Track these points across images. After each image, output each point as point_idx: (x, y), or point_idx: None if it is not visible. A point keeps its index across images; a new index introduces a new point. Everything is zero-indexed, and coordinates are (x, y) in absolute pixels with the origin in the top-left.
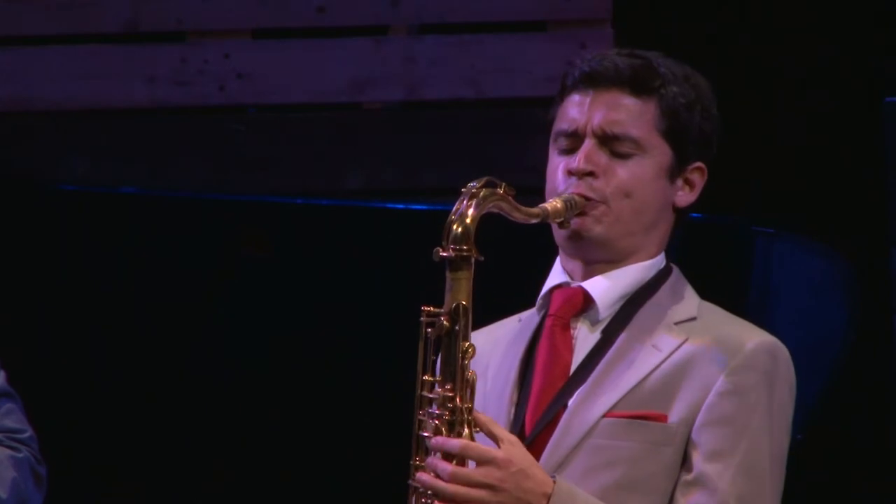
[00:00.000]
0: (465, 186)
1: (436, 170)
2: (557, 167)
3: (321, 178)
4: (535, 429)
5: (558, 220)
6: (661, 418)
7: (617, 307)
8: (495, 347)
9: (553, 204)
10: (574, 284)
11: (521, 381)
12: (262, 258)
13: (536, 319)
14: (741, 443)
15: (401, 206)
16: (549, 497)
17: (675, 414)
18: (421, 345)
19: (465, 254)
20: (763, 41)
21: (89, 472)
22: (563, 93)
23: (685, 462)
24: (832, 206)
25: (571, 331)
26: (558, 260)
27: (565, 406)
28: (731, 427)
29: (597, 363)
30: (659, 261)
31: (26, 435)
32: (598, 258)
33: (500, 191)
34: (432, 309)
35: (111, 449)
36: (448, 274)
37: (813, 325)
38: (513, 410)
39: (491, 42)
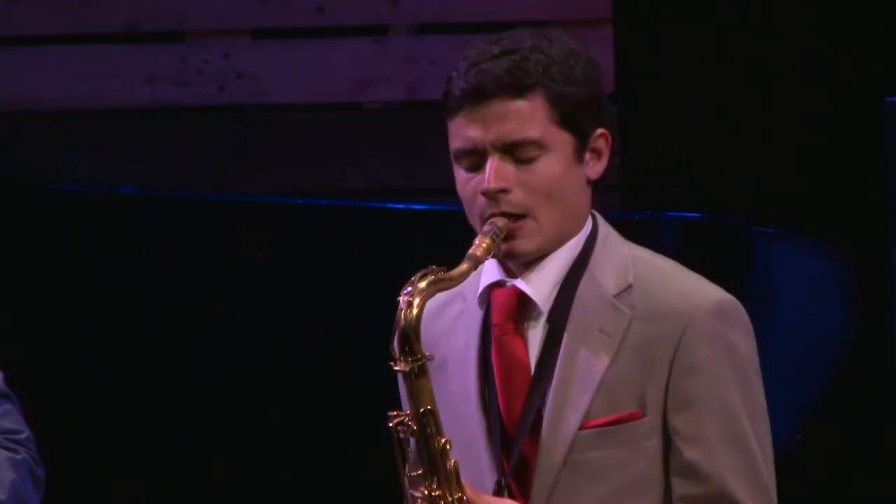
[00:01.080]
0: (402, 292)
1: (436, 170)
2: (467, 185)
3: (321, 178)
4: (518, 437)
5: (492, 256)
6: (637, 415)
7: (554, 294)
8: (449, 335)
9: (481, 247)
10: (508, 283)
11: (483, 385)
12: (262, 258)
13: (479, 314)
14: (715, 418)
15: (401, 206)
16: None
17: (648, 405)
18: (396, 445)
19: (419, 363)
20: (763, 41)
21: (89, 472)
22: (450, 111)
23: (672, 446)
24: (832, 206)
25: (519, 333)
26: None
27: (540, 413)
28: (700, 406)
29: (554, 362)
30: (584, 232)
31: (24, 436)
32: (531, 258)
33: (432, 277)
34: (397, 413)
35: (111, 449)
36: (406, 383)
37: (813, 325)
38: (484, 420)
39: None
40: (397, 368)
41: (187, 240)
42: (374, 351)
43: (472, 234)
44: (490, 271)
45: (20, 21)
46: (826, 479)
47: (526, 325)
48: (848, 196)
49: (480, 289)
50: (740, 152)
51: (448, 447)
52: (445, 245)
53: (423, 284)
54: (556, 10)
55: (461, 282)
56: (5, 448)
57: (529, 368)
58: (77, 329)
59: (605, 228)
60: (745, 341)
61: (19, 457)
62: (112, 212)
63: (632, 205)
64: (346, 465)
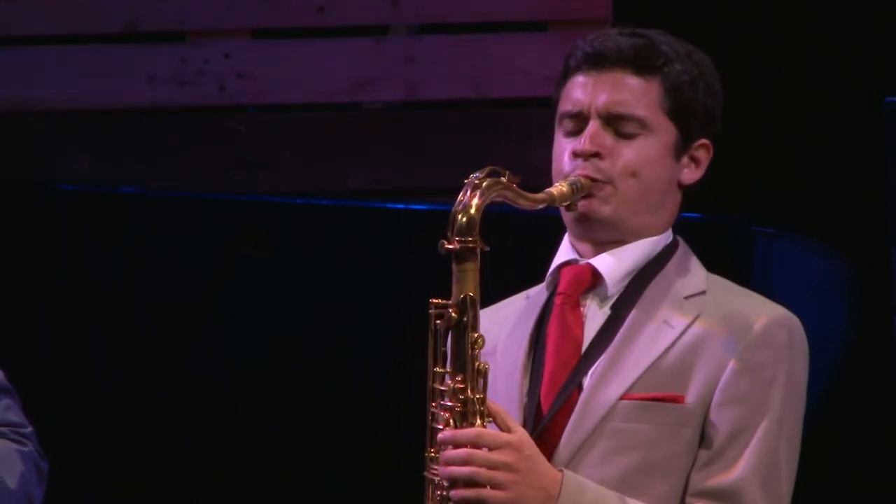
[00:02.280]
0: (468, 178)
1: (436, 170)
2: (563, 149)
3: (321, 178)
4: (551, 409)
5: (565, 204)
6: (679, 399)
7: (625, 283)
8: (503, 326)
9: (559, 188)
10: (582, 262)
11: (531, 361)
12: (262, 258)
13: (545, 296)
14: (758, 421)
15: (401, 206)
16: (559, 482)
17: (692, 394)
18: (430, 336)
19: (470, 245)
20: (763, 41)
21: (89, 472)
22: (567, 74)
23: (703, 441)
24: (832, 206)
25: (581, 308)
26: (566, 237)
27: (580, 386)
28: (747, 406)
29: (609, 341)
30: (666, 236)
31: (28, 430)
32: (605, 238)
33: (504, 179)
34: (440, 301)
35: (111, 449)
36: (454, 266)
37: (813, 325)
38: (525, 391)
39: (491, 42)
40: (448, 247)
41: (187, 240)
42: (375, 351)
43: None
44: (564, 254)
45: (20, 21)
46: (826, 479)
47: (590, 303)
48: (848, 196)
49: (552, 268)
50: (740, 152)
51: (481, 342)
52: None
53: (487, 183)
54: (556, 10)
55: (528, 205)
56: (13, 441)
57: (581, 343)
58: (77, 329)
59: (686, 248)
60: (802, 362)
61: (26, 449)
62: (112, 212)
63: None
64: (346, 464)
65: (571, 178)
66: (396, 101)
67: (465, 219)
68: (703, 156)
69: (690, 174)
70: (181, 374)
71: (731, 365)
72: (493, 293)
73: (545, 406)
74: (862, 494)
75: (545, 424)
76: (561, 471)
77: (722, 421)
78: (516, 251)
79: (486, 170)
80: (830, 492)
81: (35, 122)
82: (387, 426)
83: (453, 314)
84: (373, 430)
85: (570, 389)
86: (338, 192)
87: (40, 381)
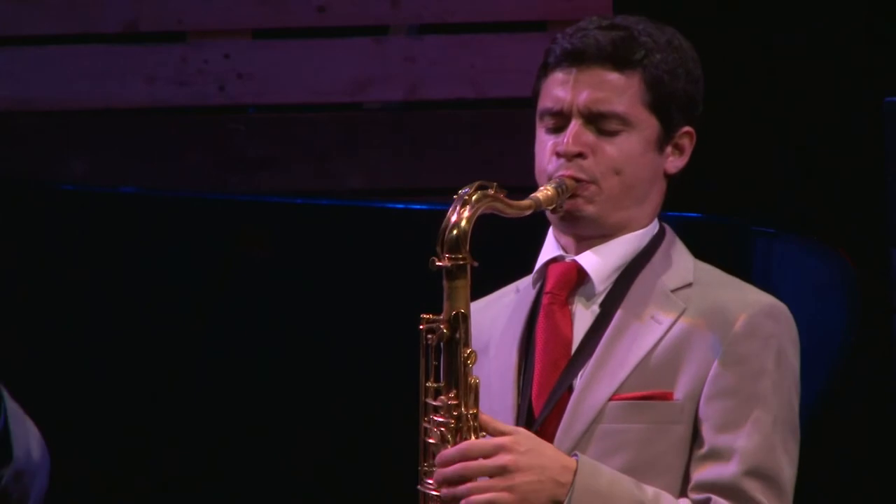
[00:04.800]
0: (457, 193)
1: (436, 170)
2: (545, 145)
3: (321, 178)
4: (543, 411)
5: (551, 207)
6: (668, 396)
7: (612, 279)
8: (494, 322)
9: (544, 192)
10: (568, 258)
11: (522, 361)
12: (262, 258)
13: (532, 293)
14: (749, 412)
15: (401, 206)
16: (573, 471)
17: (681, 390)
18: (422, 351)
19: (461, 262)
20: (763, 41)
21: (89, 471)
22: (546, 69)
23: (696, 437)
24: (832, 206)
25: (569, 307)
26: (551, 232)
27: (571, 387)
28: (737, 397)
29: (598, 340)
30: (652, 227)
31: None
32: (591, 234)
33: (492, 192)
34: (431, 316)
35: (110, 449)
36: (445, 282)
37: (813, 325)
38: (517, 391)
39: (491, 42)
40: (438, 264)
41: (187, 240)
42: (375, 351)
43: (472, 236)
44: (549, 250)
45: (20, 21)
46: (826, 479)
47: (577, 301)
48: (848, 196)
49: (538, 265)
50: (740, 152)
51: (473, 358)
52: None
53: (476, 196)
54: (556, 10)
55: (516, 214)
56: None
57: (570, 342)
58: (77, 329)
59: (672, 235)
60: (791, 348)
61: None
62: (112, 212)
63: None
64: (346, 464)
65: (556, 181)
66: (396, 101)
67: (455, 235)
68: (687, 143)
69: (675, 163)
70: (181, 374)
71: (719, 357)
72: (483, 286)
73: (537, 409)
74: (862, 494)
75: (537, 428)
76: (575, 455)
77: (713, 415)
78: (507, 241)
79: (475, 185)
80: (830, 492)
81: (35, 122)
82: (387, 426)
83: (445, 330)
84: (373, 430)
85: (561, 391)
86: (338, 192)
87: (40, 381)
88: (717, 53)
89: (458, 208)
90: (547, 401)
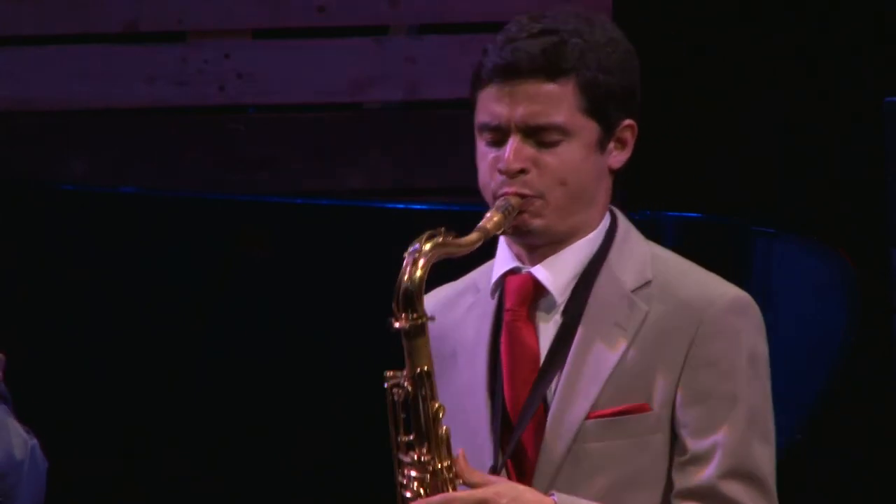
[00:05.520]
0: (407, 251)
1: (436, 170)
2: (486, 159)
3: (321, 178)
4: (518, 427)
5: (501, 231)
6: (644, 408)
7: (571, 287)
8: (458, 328)
9: (492, 220)
10: (524, 270)
11: (492, 376)
12: (262, 258)
13: (492, 304)
14: (725, 414)
15: (401, 206)
16: None
17: (656, 399)
18: (389, 408)
19: (418, 322)
20: (763, 41)
21: (89, 471)
22: (480, 83)
23: (676, 442)
24: (832, 206)
25: (531, 321)
26: (503, 240)
27: (545, 401)
28: (711, 400)
29: (565, 352)
30: (603, 225)
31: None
32: (542, 243)
33: (440, 238)
34: (393, 373)
35: (110, 449)
36: (405, 342)
37: (813, 325)
38: (490, 408)
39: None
40: (397, 325)
41: (187, 240)
42: (375, 351)
43: (463, 230)
44: (505, 260)
45: (20, 21)
46: (826, 479)
47: (539, 314)
48: (848, 196)
49: (494, 277)
50: (740, 152)
51: (441, 413)
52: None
53: (428, 246)
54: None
55: (468, 250)
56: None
57: (538, 357)
58: (77, 329)
59: (625, 224)
60: (759, 339)
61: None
62: (112, 212)
63: (632, 205)
64: (345, 464)
65: (501, 204)
66: (396, 101)
67: (411, 294)
68: (629, 136)
69: (618, 157)
70: (181, 374)
71: (688, 361)
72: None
73: (512, 430)
74: (862, 494)
75: (514, 450)
76: (552, 495)
77: (689, 421)
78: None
79: (423, 236)
80: (830, 492)
81: (35, 122)
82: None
83: (410, 388)
84: (374, 430)
85: (534, 407)
86: (338, 192)
87: (40, 381)
88: (717, 53)
89: (409, 264)
90: (521, 417)
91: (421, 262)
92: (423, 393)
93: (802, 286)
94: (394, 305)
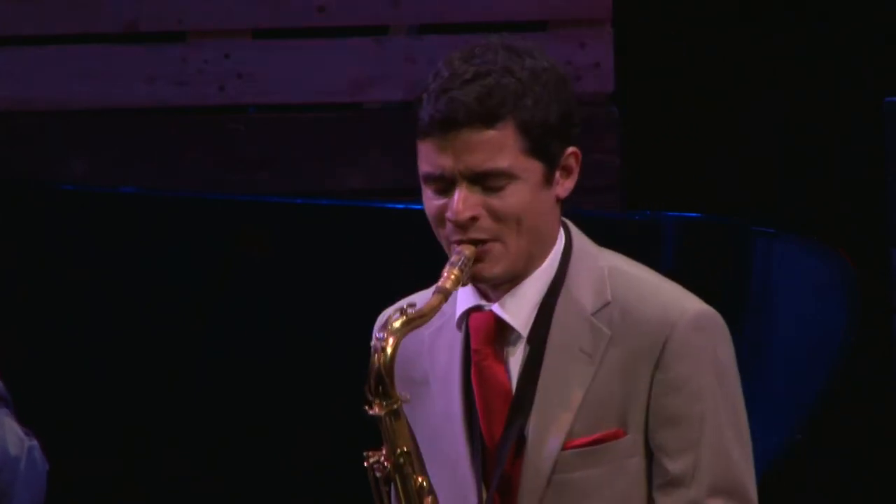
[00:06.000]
0: (371, 344)
1: None
2: (434, 207)
3: (321, 178)
4: (499, 459)
5: (462, 285)
6: (619, 434)
7: (533, 316)
8: (431, 353)
9: (450, 279)
10: (486, 308)
11: (466, 407)
12: (262, 258)
13: (459, 336)
14: (699, 433)
15: (401, 206)
16: None
17: (629, 423)
18: (372, 484)
19: (394, 407)
20: (763, 41)
21: (89, 471)
22: (420, 134)
23: (654, 464)
24: (832, 206)
25: (499, 357)
26: None
27: (522, 433)
28: (683, 422)
29: (534, 384)
30: (557, 248)
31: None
32: (501, 283)
33: (404, 318)
34: (372, 452)
35: (110, 449)
36: (382, 427)
37: (813, 325)
38: (468, 440)
39: None
40: (372, 413)
41: (187, 240)
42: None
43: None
44: (466, 295)
45: (20, 21)
46: (826, 479)
47: (506, 349)
48: (848, 196)
49: (458, 312)
50: (740, 152)
51: (426, 486)
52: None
53: (397, 325)
54: (556, 10)
55: (433, 316)
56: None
57: (510, 391)
58: (77, 329)
59: (578, 240)
60: (724, 351)
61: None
62: (112, 212)
63: (632, 205)
64: (345, 464)
65: (455, 260)
66: (396, 101)
67: (381, 379)
68: (573, 163)
69: (565, 185)
70: (181, 373)
71: (655, 386)
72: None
73: (492, 456)
74: (862, 494)
75: (499, 483)
76: None
77: (663, 444)
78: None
79: (385, 318)
80: (830, 492)
81: (35, 122)
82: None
83: (391, 469)
84: (373, 430)
85: (511, 439)
86: (338, 192)
87: (40, 381)
88: (717, 53)
89: (378, 353)
90: (499, 452)
91: (390, 343)
92: (407, 471)
93: (802, 286)
94: (367, 391)
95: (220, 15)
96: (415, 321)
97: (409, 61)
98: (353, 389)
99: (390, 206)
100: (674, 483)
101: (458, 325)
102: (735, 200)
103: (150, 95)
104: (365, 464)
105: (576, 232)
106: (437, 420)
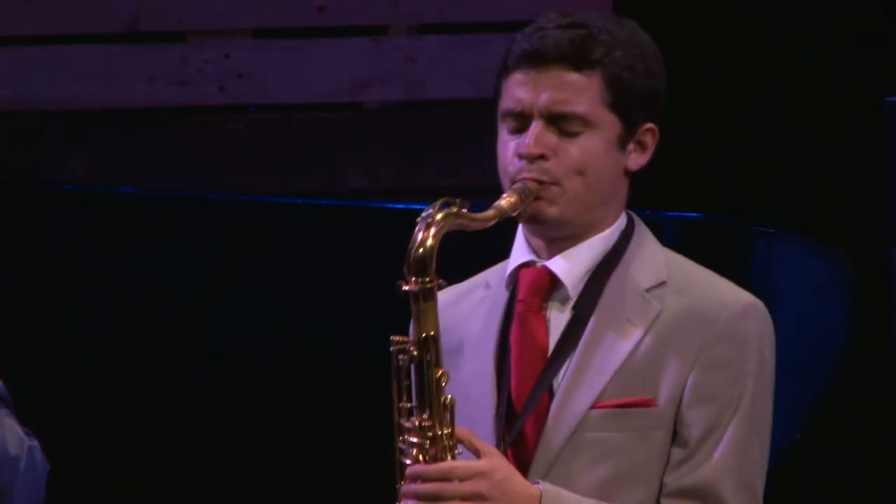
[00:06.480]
0: (420, 216)
1: (436, 170)
2: (507, 146)
3: (321, 178)
4: (522, 414)
5: (516, 213)
6: (649, 403)
7: (584, 281)
8: (467, 321)
9: (508, 200)
10: (539, 264)
11: (499, 366)
12: (262, 258)
13: (505, 295)
14: (729, 417)
15: (401, 206)
16: (538, 498)
17: (662, 395)
18: (393, 373)
19: (428, 285)
20: (763, 41)
21: (89, 471)
22: (506, 70)
23: (675, 440)
24: (832, 206)
25: (543, 313)
26: (521, 231)
27: (551, 392)
28: (718, 403)
29: (574, 344)
30: (620, 224)
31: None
32: (558, 236)
33: (455, 209)
34: (400, 338)
35: (110, 449)
36: (413, 305)
37: (813, 325)
38: (495, 396)
39: (491, 42)
40: (406, 288)
41: (187, 240)
42: (375, 351)
43: (472, 236)
44: (521, 253)
45: (20, 21)
46: (826, 479)
47: (551, 307)
48: (848, 196)
49: (509, 270)
50: (740, 152)
51: (445, 380)
52: (445, 245)
53: (440, 215)
54: (556, 10)
55: (481, 226)
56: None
57: (546, 349)
58: (77, 329)
59: (641, 227)
60: (768, 346)
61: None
62: (112, 212)
63: (631, 205)
64: (345, 464)
65: (518, 186)
66: (396, 101)
67: (421, 257)
68: (650, 140)
69: (637, 160)
70: (181, 374)
71: (698, 362)
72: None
73: (515, 419)
74: (862, 494)
75: (515, 438)
76: (538, 483)
77: (693, 420)
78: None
79: (438, 203)
80: (831, 492)
81: (35, 122)
82: (387, 426)
83: (415, 352)
84: (375, 429)
85: (540, 394)
86: (338, 192)
87: (40, 381)
88: (718, 53)
89: (422, 231)
90: (526, 404)
91: (433, 231)
92: (429, 358)
93: (802, 286)
94: (404, 269)
95: (220, 15)
96: (461, 218)
97: (409, 61)
98: (353, 389)
99: (390, 206)
100: (691, 461)
101: (507, 285)
102: (735, 200)
103: (150, 95)
104: (391, 348)
105: (639, 221)
106: (467, 381)
